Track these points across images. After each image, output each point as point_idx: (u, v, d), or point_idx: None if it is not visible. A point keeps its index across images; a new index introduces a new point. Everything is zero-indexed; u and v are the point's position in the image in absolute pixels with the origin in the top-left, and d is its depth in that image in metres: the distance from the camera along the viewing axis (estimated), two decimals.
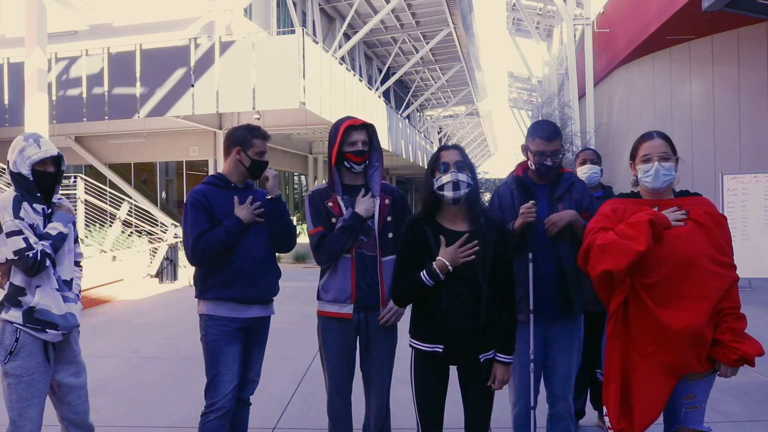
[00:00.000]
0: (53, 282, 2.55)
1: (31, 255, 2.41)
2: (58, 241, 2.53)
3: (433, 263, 2.23)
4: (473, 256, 2.22)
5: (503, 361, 2.32)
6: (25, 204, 2.52)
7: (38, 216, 2.55)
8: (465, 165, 2.29)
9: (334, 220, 2.68)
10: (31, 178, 2.52)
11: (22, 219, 2.47)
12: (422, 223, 2.33)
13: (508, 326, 2.33)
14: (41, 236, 2.50)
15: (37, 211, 2.56)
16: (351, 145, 2.68)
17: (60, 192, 2.70)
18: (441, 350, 2.26)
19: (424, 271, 2.24)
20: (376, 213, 2.71)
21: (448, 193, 2.26)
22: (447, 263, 2.21)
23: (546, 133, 2.70)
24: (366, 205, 2.68)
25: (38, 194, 2.57)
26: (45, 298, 2.51)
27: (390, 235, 2.73)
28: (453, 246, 2.23)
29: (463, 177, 2.26)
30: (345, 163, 2.71)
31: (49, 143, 2.57)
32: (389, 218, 2.74)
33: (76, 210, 2.78)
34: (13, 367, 2.48)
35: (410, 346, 2.38)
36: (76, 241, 2.77)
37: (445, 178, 2.26)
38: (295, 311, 7.59)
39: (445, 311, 2.23)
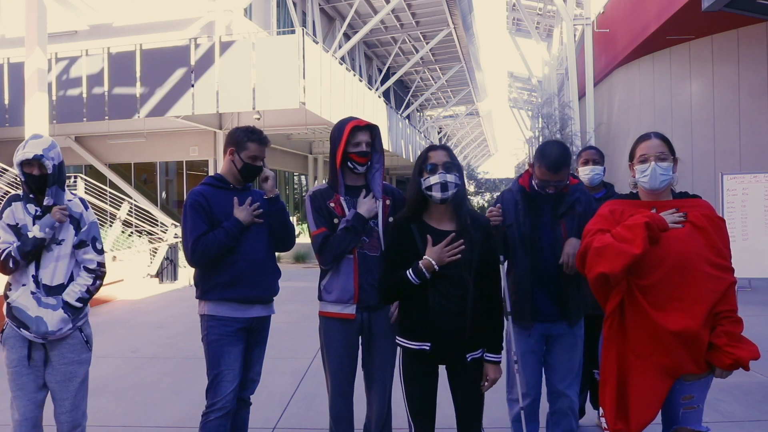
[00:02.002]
0: (31, 284, 2.56)
1: None
2: (27, 244, 2.50)
3: (420, 262, 2.24)
4: (459, 255, 2.24)
5: (492, 360, 2.34)
6: (17, 204, 2.58)
7: (28, 216, 2.57)
8: (453, 165, 2.31)
9: (336, 220, 2.67)
10: (23, 179, 2.56)
11: (0, 218, 2.57)
12: (409, 223, 2.35)
13: (495, 325, 2.35)
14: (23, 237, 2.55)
15: (29, 211, 2.58)
16: (355, 146, 2.68)
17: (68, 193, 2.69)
18: (428, 348, 2.27)
19: (410, 270, 2.25)
20: (379, 214, 2.72)
21: (437, 194, 2.28)
22: (433, 262, 2.23)
23: (552, 163, 2.66)
24: (368, 205, 2.68)
25: (31, 195, 2.59)
26: (23, 298, 2.54)
27: None
28: (439, 245, 2.25)
29: (451, 178, 2.28)
30: (348, 163, 2.70)
31: (36, 145, 2.54)
32: (390, 219, 2.74)
33: (83, 215, 2.75)
34: (4, 356, 2.61)
35: (397, 344, 2.39)
36: (81, 246, 2.66)
37: (434, 179, 2.28)
38: (295, 311, 7.59)
39: (431, 309, 2.25)
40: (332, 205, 2.70)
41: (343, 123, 2.72)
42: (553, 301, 2.76)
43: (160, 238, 12.23)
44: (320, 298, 2.77)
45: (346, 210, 2.68)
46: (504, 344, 2.90)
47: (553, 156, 2.67)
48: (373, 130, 2.76)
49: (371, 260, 2.68)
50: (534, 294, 2.75)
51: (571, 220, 2.76)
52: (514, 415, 2.93)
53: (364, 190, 2.75)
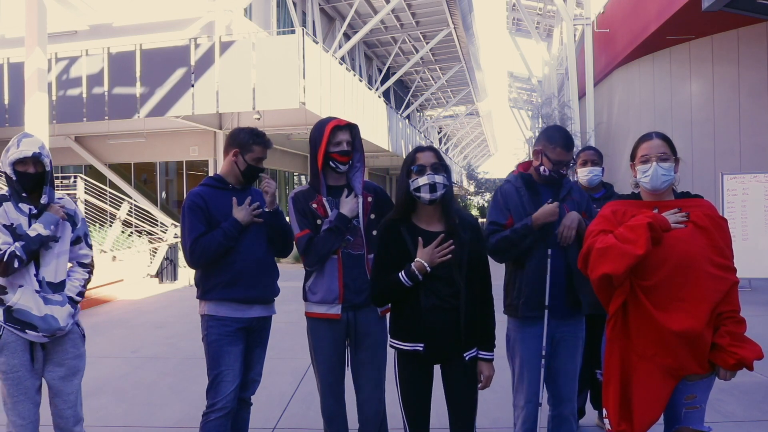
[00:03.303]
0: (34, 283, 2.53)
1: None
2: (33, 242, 2.49)
3: (412, 265, 2.25)
4: (450, 256, 2.25)
5: (486, 358, 2.35)
6: (7, 204, 2.55)
7: (22, 216, 2.55)
8: (441, 166, 2.31)
9: (319, 221, 2.67)
10: (14, 178, 2.54)
11: None
12: (398, 225, 2.35)
13: (487, 324, 2.36)
14: (21, 237, 2.49)
15: (22, 211, 2.55)
16: (336, 146, 2.68)
17: (60, 192, 2.69)
18: (421, 349, 2.28)
19: (403, 273, 2.26)
20: (360, 212, 2.72)
21: (425, 195, 2.28)
22: (425, 264, 2.24)
23: (567, 143, 2.74)
24: (350, 205, 2.69)
25: (23, 194, 2.57)
26: (25, 299, 2.51)
27: (374, 232, 2.72)
28: (429, 246, 2.26)
29: (439, 179, 2.28)
30: (330, 163, 2.70)
31: (31, 143, 2.53)
32: (373, 216, 2.75)
33: (76, 212, 2.75)
34: (1, 363, 2.53)
35: (391, 346, 2.40)
36: (77, 242, 2.73)
37: (422, 181, 2.28)
38: (295, 311, 7.53)
39: (424, 310, 2.26)
40: (315, 206, 2.69)
41: (323, 123, 2.72)
42: (560, 290, 2.71)
43: (160, 238, 12.23)
44: (305, 299, 2.76)
45: (329, 210, 2.68)
46: (509, 348, 2.89)
47: (565, 136, 2.76)
48: (353, 129, 2.76)
49: (355, 259, 2.68)
50: (550, 281, 2.71)
51: (571, 205, 2.77)
52: (524, 420, 2.78)
53: (345, 190, 2.75)
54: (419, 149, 2.39)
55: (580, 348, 2.83)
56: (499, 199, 2.84)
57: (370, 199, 2.77)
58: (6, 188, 2.61)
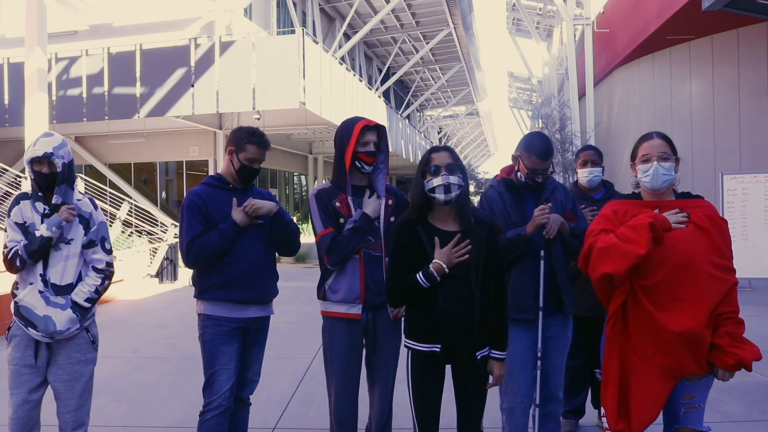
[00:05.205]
0: (39, 283, 2.54)
1: (3, 252, 2.53)
2: (34, 243, 2.49)
3: (430, 266, 2.24)
4: (467, 256, 2.24)
5: (498, 357, 2.34)
6: (25, 202, 2.57)
7: (36, 215, 2.56)
8: (456, 167, 2.31)
9: (342, 220, 2.66)
10: (33, 176, 2.56)
11: (9, 216, 2.57)
12: (414, 224, 2.35)
13: (501, 323, 2.35)
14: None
15: (37, 209, 2.57)
16: (364, 146, 2.67)
17: (77, 193, 2.67)
18: (438, 350, 2.27)
19: (420, 273, 2.24)
20: (381, 214, 2.71)
21: (440, 196, 2.28)
22: (443, 265, 2.23)
23: (542, 152, 2.75)
24: (374, 206, 2.68)
25: (39, 193, 2.58)
26: (30, 297, 2.53)
27: None
28: (447, 247, 2.25)
29: (454, 179, 2.28)
30: (356, 163, 2.69)
31: (46, 143, 2.53)
32: (392, 219, 2.74)
33: (92, 215, 2.74)
34: (7, 353, 2.59)
35: (406, 347, 2.38)
36: (90, 246, 2.63)
37: (437, 181, 2.28)
38: (295, 311, 7.59)
39: (441, 311, 2.25)
40: (338, 204, 2.68)
41: (351, 122, 2.70)
42: (548, 293, 2.75)
43: (160, 238, 12.23)
44: (324, 298, 2.72)
45: (353, 210, 2.67)
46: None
47: (542, 145, 2.77)
48: (380, 130, 2.76)
49: (376, 260, 2.68)
50: (542, 286, 2.75)
51: (555, 205, 2.79)
52: (517, 417, 2.81)
53: (368, 190, 2.75)
54: (434, 149, 2.38)
55: (568, 347, 2.86)
56: (484, 205, 2.85)
57: (390, 201, 2.77)
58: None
